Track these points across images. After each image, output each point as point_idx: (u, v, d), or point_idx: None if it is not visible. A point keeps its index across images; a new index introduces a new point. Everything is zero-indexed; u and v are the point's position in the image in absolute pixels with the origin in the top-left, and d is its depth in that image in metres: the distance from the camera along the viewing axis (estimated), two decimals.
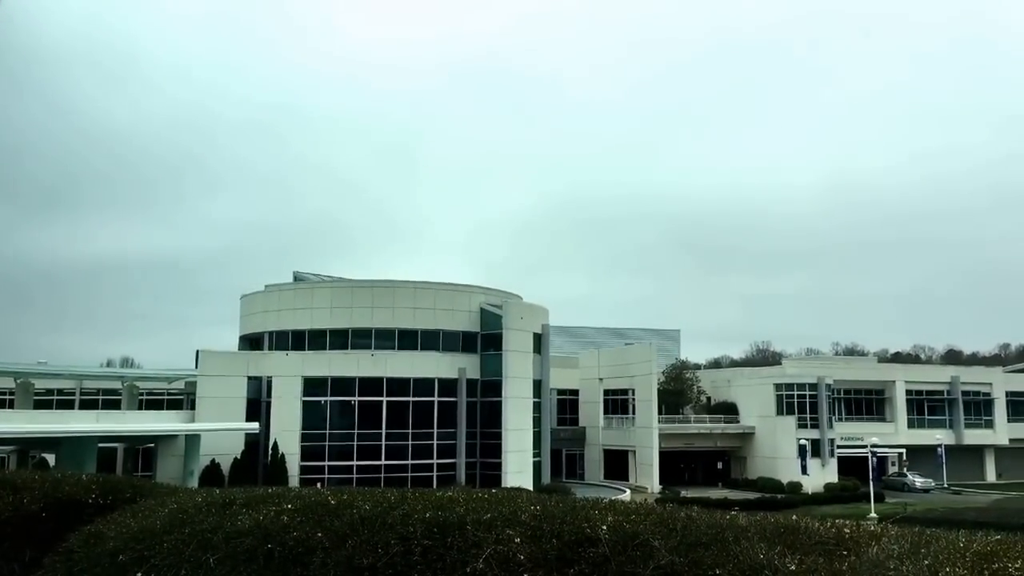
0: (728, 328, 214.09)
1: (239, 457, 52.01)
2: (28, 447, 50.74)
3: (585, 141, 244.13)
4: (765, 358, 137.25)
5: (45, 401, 60.13)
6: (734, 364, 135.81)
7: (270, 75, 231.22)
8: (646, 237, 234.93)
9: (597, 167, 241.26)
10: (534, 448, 60.15)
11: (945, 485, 74.72)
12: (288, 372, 55.32)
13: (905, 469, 78.36)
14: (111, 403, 60.93)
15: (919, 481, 74.46)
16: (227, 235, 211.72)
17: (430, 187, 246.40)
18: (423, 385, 56.70)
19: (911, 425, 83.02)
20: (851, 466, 73.13)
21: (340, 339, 57.37)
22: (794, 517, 5.66)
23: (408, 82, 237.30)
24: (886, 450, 77.38)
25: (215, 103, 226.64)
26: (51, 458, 49.32)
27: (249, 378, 55.09)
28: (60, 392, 63.80)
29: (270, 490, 7.80)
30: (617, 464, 74.84)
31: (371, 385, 55.54)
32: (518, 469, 57.41)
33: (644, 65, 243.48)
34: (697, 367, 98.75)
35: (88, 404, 61.13)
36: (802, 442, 69.68)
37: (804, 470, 68.00)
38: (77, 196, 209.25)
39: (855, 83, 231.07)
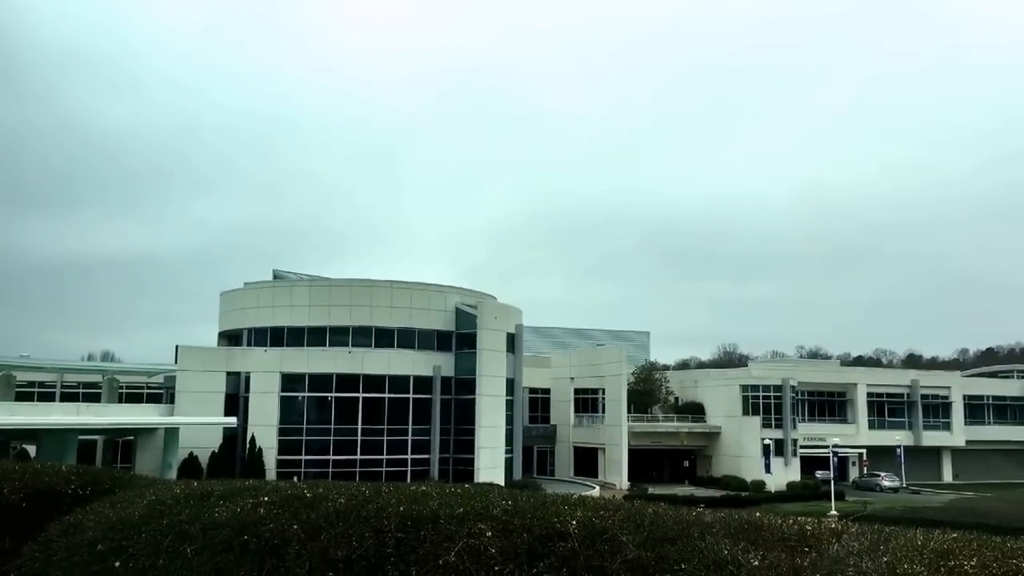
0: (697, 331, 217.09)
1: (217, 451, 52.61)
2: (9, 438, 51.08)
3: (565, 151, 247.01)
4: (732, 360, 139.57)
5: (27, 393, 60.55)
6: (702, 366, 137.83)
7: (261, 84, 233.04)
8: (621, 244, 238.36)
9: (576, 176, 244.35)
10: (506, 445, 61.26)
11: (904, 485, 77.12)
12: (266, 368, 56.14)
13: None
14: (92, 396, 61.52)
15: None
16: (214, 236, 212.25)
17: (414, 193, 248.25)
18: (399, 382, 57.64)
19: (872, 426, 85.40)
20: (813, 465, 75.26)
21: (318, 336, 58.05)
22: (757, 514, 5.77)
23: (393, 92, 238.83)
24: (847, 450, 79.70)
25: (207, 110, 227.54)
26: (32, 449, 49.76)
27: (228, 373, 55.69)
28: (41, 385, 64.22)
29: (247, 483, 7.86)
30: (587, 461, 76.26)
31: (348, 382, 56.43)
32: (490, 465, 58.50)
33: (625, 80, 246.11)
34: (666, 368, 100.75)
35: (69, 397, 61.39)
36: (766, 442, 71.69)
37: (768, 469, 69.92)
38: (68, 195, 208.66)
39: (827, 98, 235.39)
